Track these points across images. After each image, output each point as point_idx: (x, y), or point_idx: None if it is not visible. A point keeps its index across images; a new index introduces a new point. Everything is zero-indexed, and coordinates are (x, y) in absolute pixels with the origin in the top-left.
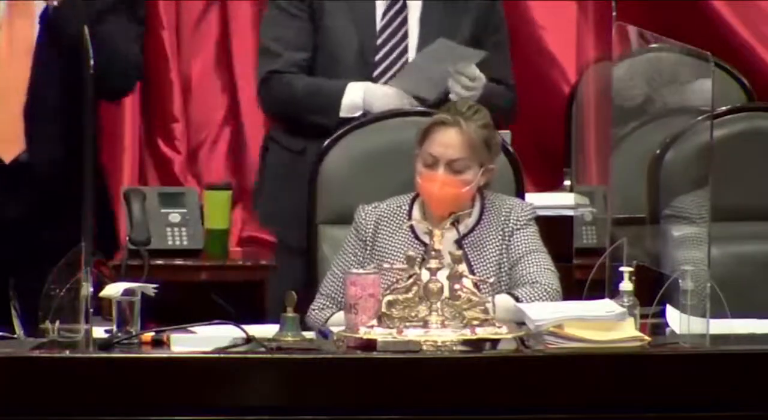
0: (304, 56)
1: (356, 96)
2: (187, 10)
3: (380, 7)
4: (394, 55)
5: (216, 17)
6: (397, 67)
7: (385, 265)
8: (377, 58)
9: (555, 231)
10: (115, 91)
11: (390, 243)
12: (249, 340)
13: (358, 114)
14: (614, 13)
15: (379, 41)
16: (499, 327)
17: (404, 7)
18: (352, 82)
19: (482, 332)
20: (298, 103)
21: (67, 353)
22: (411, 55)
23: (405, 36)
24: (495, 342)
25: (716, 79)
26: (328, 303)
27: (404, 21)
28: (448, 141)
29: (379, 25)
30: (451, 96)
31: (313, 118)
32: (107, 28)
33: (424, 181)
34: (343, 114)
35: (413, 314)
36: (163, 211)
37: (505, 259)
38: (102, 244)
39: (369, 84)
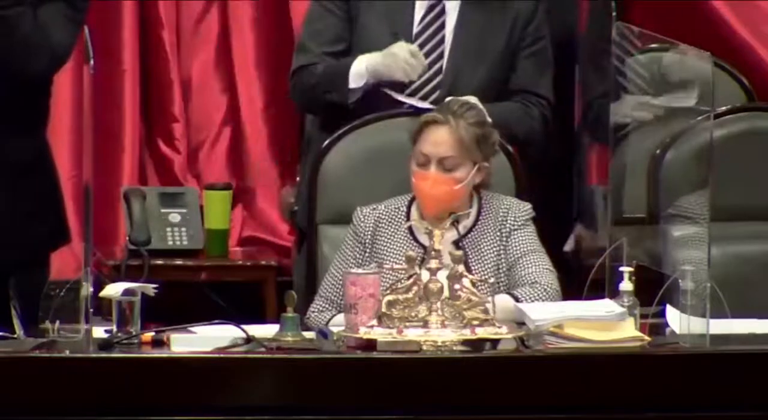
0: (335, 51)
1: (361, 65)
2: (187, 10)
3: (419, 11)
4: (429, 60)
5: (216, 17)
6: (431, 72)
7: (386, 267)
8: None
9: (555, 231)
10: (30, 72)
11: (389, 245)
12: (249, 340)
13: (362, 83)
14: (614, 13)
15: (414, 46)
16: (499, 327)
17: (443, 11)
18: (361, 55)
19: (482, 332)
20: (315, 87)
21: (67, 353)
22: (446, 60)
23: (441, 41)
24: (495, 342)
25: (716, 79)
26: (326, 305)
27: (441, 26)
28: (438, 139)
29: (416, 29)
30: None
31: (328, 97)
32: (42, 12)
33: (417, 179)
34: (351, 85)
35: (413, 314)
36: (163, 211)
37: (503, 260)
38: (47, 232)
39: (375, 54)
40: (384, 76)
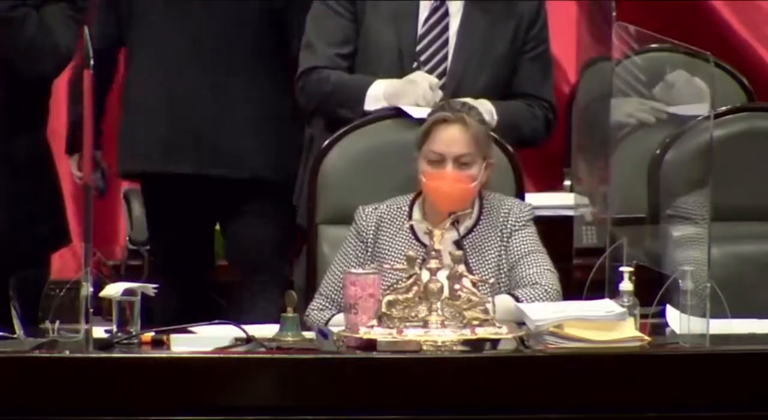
0: (344, 53)
1: (379, 89)
2: None
3: (423, 12)
4: (433, 62)
5: None
6: (435, 75)
7: (386, 266)
8: (414, 65)
9: (555, 231)
10: (36, 74)
11: (391, 244)
12: (249, 340)
13: (378, 106)
14: (614, 13)
15: (418, 48)
16: (499, 327)
17: (446, 13)
18: (380, 79)
19: (482, 332)
20: (328, 97)
21: (67, 353)
22: (449, 63)
23: (445, 43)
24: (495, 342)
25: (716, 79)
26: (327, 304)
27: (445, 28)
28: (452, 137)
29: (420, 31)
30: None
31: (340, 111)
32: (45, 13)
33: (432, 179)
34: (367, 106)
35: (413, 314)
36: None
37: (504, 260)
38: (45, 233)
39: (393, 80)
40: (399, 102)
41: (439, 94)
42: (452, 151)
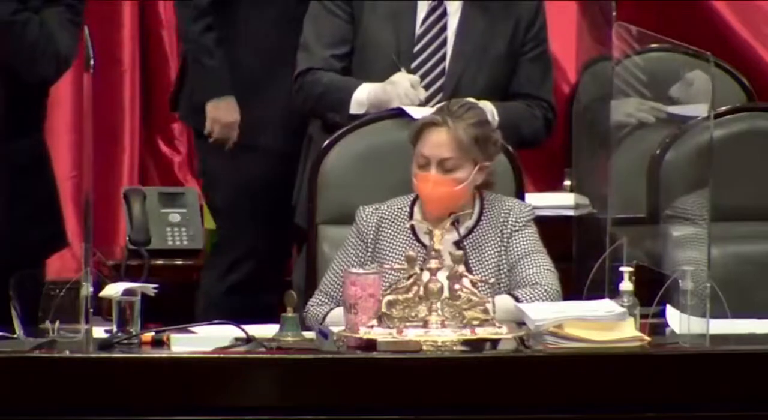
0: (340, 54)
1: (363, 94)
2: None
3: (421, 12)
4: (431, 62)
5: None
6: (433, 75)
7: (386, 266)
8: (413, 65)
9: (555, 231)
10: (37, 78)
11: (391, 244)
12: (249, 340)
13: (362, 111)
14: (614, 13)
15: (416, 49)
16: (499, 327)
17: (444, 13)
18: (365, 83)
19: (482, 332)
20: (319, 99)
21: (67, 353)
22: (448, 63)
23: (444, 43)
24: (495, 342)
25: (716, 79)
26: (326, 300)
27: (444, 28)
28: (437, 141)
29: (418, 31)
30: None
31: (329, 114)
32: (45, 16)
33: (419, 181)
34: (352, 111)
35: (413, 314)
36: (163, 211)
37: (504, 261)
38: (42, 236)
39: (376, 84)
40: (383, 105)
41: (422, 91)
42: (436, 154)
